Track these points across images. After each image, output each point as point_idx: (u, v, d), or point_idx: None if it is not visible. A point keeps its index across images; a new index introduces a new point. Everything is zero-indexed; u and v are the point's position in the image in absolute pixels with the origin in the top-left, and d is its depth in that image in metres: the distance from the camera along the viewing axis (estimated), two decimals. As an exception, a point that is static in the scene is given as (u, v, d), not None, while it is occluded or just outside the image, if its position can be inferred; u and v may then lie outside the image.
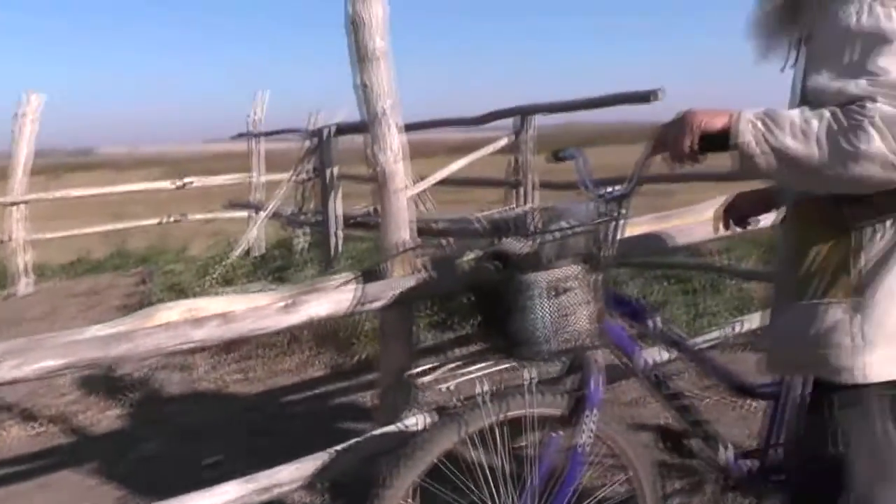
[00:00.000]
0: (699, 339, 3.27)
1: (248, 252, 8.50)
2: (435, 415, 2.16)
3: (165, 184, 10.57)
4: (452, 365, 1.84)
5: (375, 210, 3.56)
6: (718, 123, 1.61)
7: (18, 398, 4.65)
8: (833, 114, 1.51)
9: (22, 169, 8.78)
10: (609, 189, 1.86)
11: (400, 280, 2.31)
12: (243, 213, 10.12)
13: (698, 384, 3.72)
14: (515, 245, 1.79)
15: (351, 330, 4.94)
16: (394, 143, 2.35)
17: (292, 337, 5.14)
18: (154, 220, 10.41)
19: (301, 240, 8.73)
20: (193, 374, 4.96)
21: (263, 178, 10.37)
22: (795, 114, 1.56)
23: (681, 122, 1.66)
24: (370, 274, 2.39)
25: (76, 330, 1.90)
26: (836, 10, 1.62)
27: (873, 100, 1.48)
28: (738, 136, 1.57)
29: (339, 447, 2.19)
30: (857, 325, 1.65)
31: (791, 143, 1.54)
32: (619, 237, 1.83)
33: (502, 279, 1.76)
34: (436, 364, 1.86)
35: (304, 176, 8.57)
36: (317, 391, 4.51)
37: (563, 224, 1.80)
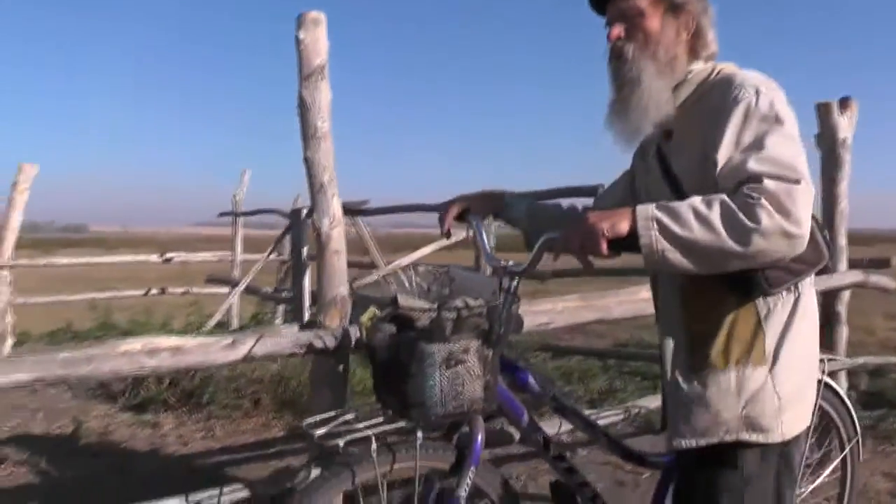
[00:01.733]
0: (601, 413, 3.78)
1: (223, 324, 8.84)
2: (326, 465, 2.14)
3: (151, 257, 11.01)
4: (348, 417, 1.97)
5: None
6: (623, 229, 1.67)
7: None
8: (723, 201, 1.61)
9: (13, 236, 9.12)
10: (510, 263, 2.00)
11: (329, 329, 2.64)
12: (223, 289, 10.45)
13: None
14: (416, 312, 1.87)
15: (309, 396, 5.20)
16: (332, 211, 2.70)
17: (255, 401, 5.46)
18: (139, 291, 10.82)
19: (277, 315, 9.08)
20: (159, 430, 5.26)
21: (241, 257, 10.81)
22: (692, 203, 1.64)
23: (586, 231, 1.70)
24: (310, 324, 2.74)
25: (49, 351, 2.23)
26: (716, 101, 1.78)
27: (760, 179, 1.60)
28: (642, 236, 1.64)
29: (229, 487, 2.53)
30: (775, 386, 1.79)
31: (694, 233, 1.61)
32: (513, 316, 1.96)
33: (400, 344, 1.85)
34: (332, 415, 1.97)
35: (283, 256, 8.97)
36: (272, 450, 4.79)
37: (465, 300, 1.89)
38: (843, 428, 2.82)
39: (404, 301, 1.91)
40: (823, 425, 2.79)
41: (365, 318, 1.94)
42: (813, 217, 1.68)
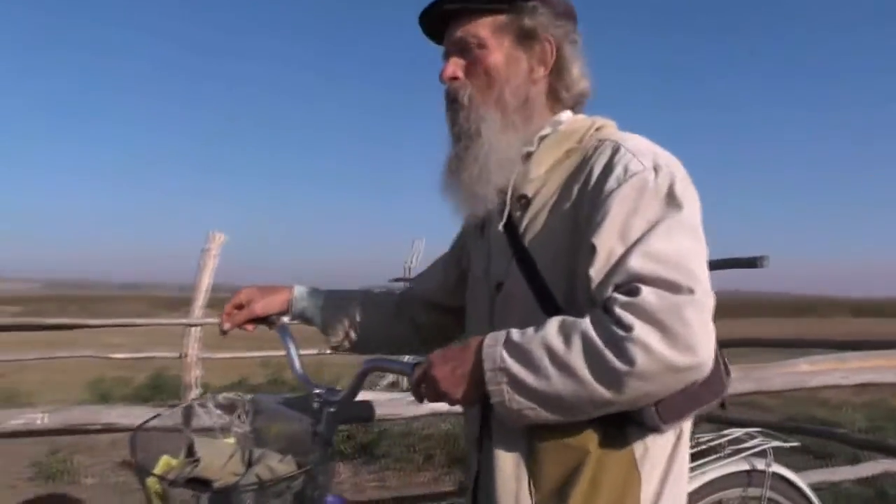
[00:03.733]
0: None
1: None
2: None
3: None
4: None
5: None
6: (459, 393, 1.34)
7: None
8: (584, 336, 1.23)
9: (203, 296, 9.96)
10: (324, 390, 1.62)
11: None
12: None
13: None
14: (215, 474, 1.49)
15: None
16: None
17: (427, 456, 5.74)
18: (311, 350, 11.43)
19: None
20: (336, 478, 5.60)
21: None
22: (546, 340, 1.26)
23: (429, 385, 1.38)
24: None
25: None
26: (598, 169, 1.40)
27: (639, 287, 1.23)
28: (491, 392, 1.29)
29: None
30: None
31: (552, 385, 1.25)
32: (331, 469, 1.61)
33: None
34: None
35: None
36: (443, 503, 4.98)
37: (268, 465, 1.50)
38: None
39: (204, 450, 1.52)
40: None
41: (156, 471, 1.49)
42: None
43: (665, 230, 1.28)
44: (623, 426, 1.35)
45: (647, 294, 1.21)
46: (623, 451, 1.37)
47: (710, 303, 1.23)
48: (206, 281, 10.03)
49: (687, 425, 1.46)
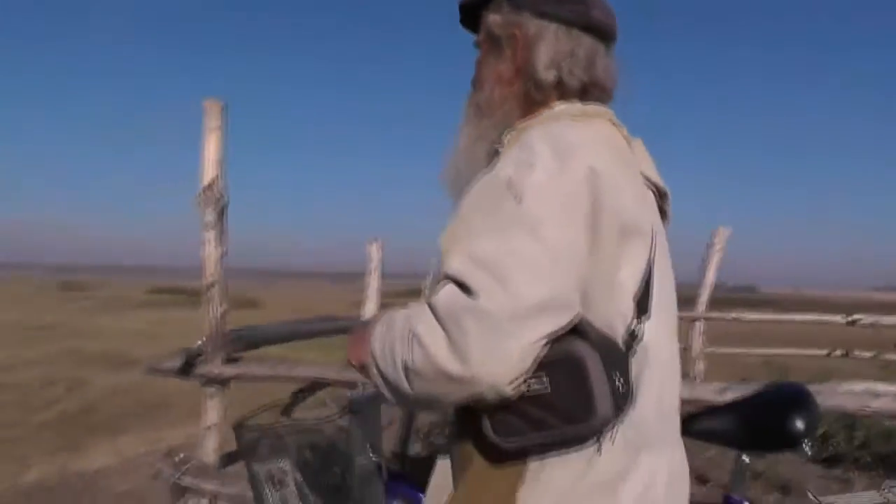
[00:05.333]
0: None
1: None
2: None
3: (835, 318, 9.30)
4: None
5: None
6: (360, 355, 1.36)
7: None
8: (401, 325, 1.25)
9: (707, 291, 10.07)
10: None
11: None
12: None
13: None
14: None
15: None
16: None
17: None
18: (820, 351, 10.41)
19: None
20: (850, 487, 5.27)
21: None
22: (391, 323, 1.29)
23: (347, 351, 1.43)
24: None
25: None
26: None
27: (441, 287, 1.20)
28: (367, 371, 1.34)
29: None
30: None
31: (380, 368, 1.28)
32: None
33: None
34: None
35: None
36: None
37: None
38: None
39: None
40: None
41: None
42: (599, 348, 1.19)
43: (493, 228, 1.20)
44: (483, 437, 1.25)
45: (443, 294, 1.17)
46: (504, 464, 1.27)
47: (506, 311, 1.13)
48: (710, 276, 10.04)
49: (610, 465, 1.24)
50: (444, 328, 1.14)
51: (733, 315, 9.96)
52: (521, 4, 1.45)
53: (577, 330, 1.18)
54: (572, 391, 1.16)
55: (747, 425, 1.70)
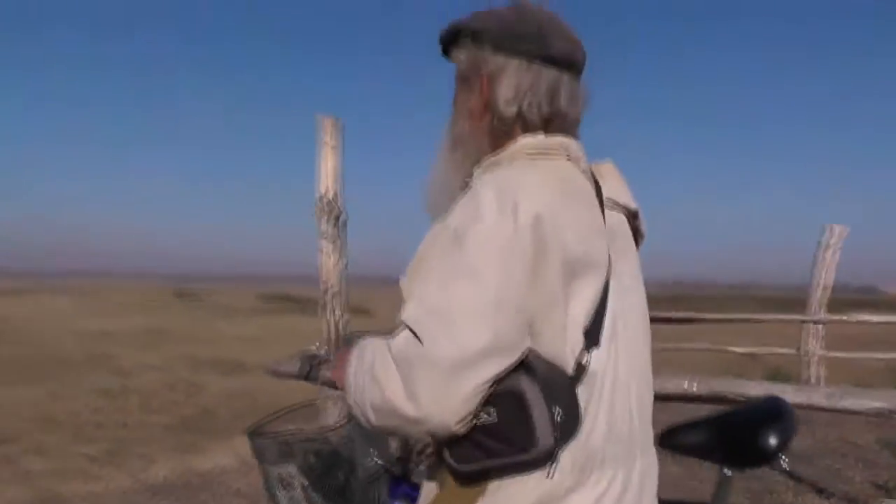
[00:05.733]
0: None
1: None
2: None
3: None
4: None
5: None
6: (340, 379, 1.47)
7: None
8: (371, 359, 1.35)
9: (820, 292, 9.79)
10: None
11: None
12: None
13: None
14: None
15: None
16: None
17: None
18: None
19: None
20: None
21: None
22: (362, 355, 1.40)
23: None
24: None
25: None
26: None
27: (399, 332, 1.30)
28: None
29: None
30: None
31: (353, 394, 1.39)
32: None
33: None
34: None
35: None
36: None
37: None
38: None
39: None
40: None
41: None
42: (541, 381, 1.27)
43: (441, 276, 1.28)
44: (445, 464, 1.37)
45: (399, 340, 1.28)
46: (469, 485, 1.36)
47: (452, 359, 1.21)
48: (823, 276, 9.73)
49: (552, 481, 1.32)
50: (399, 372, 1.25)
51: (857, 319, 9.52)
52: (483, 41, 1.49)
53: (524, 364, 1.27)
54: (516, 423, 1.26)
55: (722, 440, 1.76)
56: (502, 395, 1.26)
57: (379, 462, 1.70)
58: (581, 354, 1.32)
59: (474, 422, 1.27)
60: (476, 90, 1.50)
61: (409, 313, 1.27)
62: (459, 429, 1.26)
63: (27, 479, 6.54)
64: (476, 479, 1.33)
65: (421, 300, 1.27)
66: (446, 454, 1.33)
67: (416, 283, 1.31)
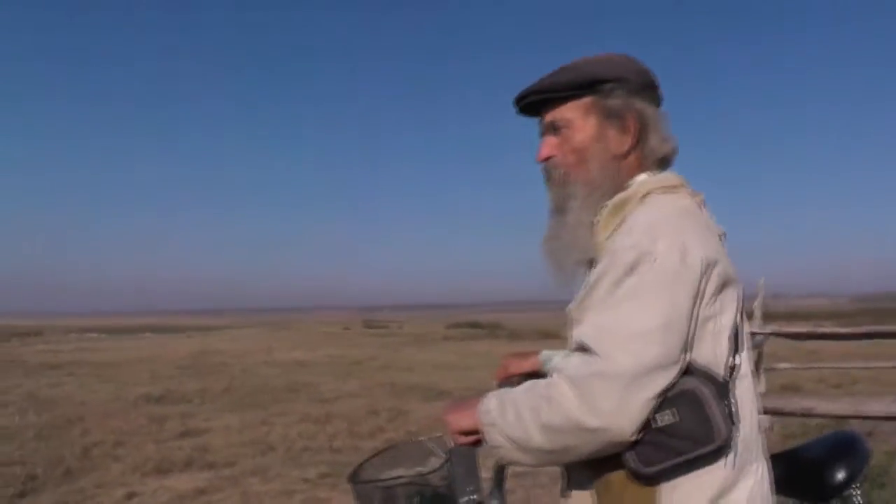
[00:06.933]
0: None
1: None
2: None
3: None
4: None
5: None
6: (465, 424, 1.59)
7: None
8: (533, 391, 1.47)
9: None
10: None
11: None
12: None
13: None
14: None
15: None
16: None
17: None
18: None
19: None
20: None
21: None
22: (516, 392, 1.52)
23: (446, 424, 1.65)
24: None
25: None
26: (615, 240, 1.51)
27: (575, 354, 1.46)
28: (481, 432, 1.55)
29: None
30: None
31: (512, 429, 1.47)
32: None
33: None
34: None
35: None
36: None
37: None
38: None
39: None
40: None
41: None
42: (708, 381, 1.42)
43: (616, 301, 1.42)
44: (623, 468, 1.45)
45: (575, 359, 1.42)
46: (645, 489, 1.45)
47: (628, 372, 1.35)
48: None
49: (743, 482, 1.48)
50: (577, 391, 1.38)
51: None
52: (629, 87, 1.64)
53: (689, 370, 1.43)
54: (697, 419, 1.41)
55: (791, 474, 1.85)
56: (679, 397, 1.41)
57: (476, 498, 1.73)
58: (730, 358, 1.50)
59: (654, 426, 1.40)
60: (620, 128, 1.63)
61: (585, 333, 1.44)
62: (633, 436, 1.39)
63: (257, 499, 6.67)
64: (658, 479, 1.44)
65: (596, 323, 1.43)
66: (630, 460, 1.42)
67: (589, 308, 1.48)
